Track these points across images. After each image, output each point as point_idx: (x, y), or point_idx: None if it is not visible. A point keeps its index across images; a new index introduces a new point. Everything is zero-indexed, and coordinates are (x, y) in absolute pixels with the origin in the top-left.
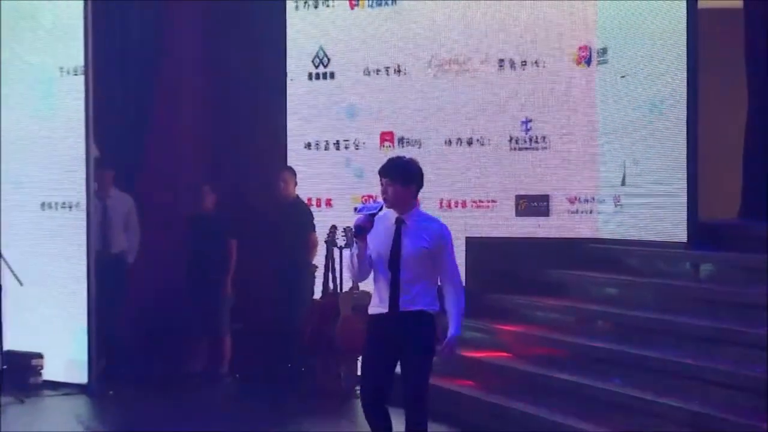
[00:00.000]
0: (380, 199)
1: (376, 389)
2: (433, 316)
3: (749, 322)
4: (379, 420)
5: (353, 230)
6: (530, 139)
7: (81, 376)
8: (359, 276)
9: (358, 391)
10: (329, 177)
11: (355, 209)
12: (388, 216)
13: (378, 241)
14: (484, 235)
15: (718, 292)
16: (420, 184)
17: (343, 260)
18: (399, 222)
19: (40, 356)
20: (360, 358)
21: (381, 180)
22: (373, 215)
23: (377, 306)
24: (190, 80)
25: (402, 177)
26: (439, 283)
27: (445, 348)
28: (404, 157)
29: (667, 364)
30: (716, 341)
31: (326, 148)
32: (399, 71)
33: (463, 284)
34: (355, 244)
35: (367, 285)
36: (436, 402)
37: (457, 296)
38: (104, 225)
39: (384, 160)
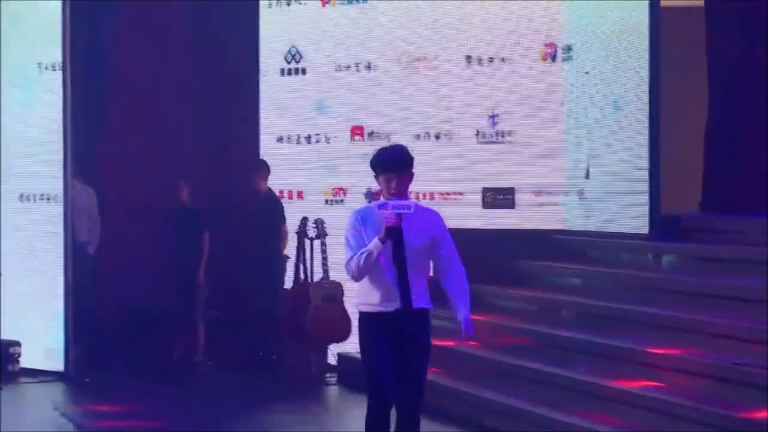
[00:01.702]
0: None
1: (391, 393)
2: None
3: (709, 312)
4: (388, 415)
5: (385, 231)
6: (497, 134)
7: (58, 364)
8: (364, 276)
9: (330, 379)
10: (300, 170)
11: (379, 207)
12: (376, 206)
13: (375, 233)
14: (451, 227)
15: (679, 283)
16: None
17: (353, 259)
18: (399, 216)
19: (18, 344)
20: (330, 345)
21: (383, 175)
22: (402, 214)
23: (377, 305)
24: (166, 76)
25: (408, 166)
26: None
27: (463, 331)
28: (395, 145)
29: (631, 353)
30: (678, 330)
31: (298, 142)
32: (369, 67)
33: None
34: (378, 246)
35: (336, 276)
36: None
37: (463, 277)
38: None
39: (358, 153)
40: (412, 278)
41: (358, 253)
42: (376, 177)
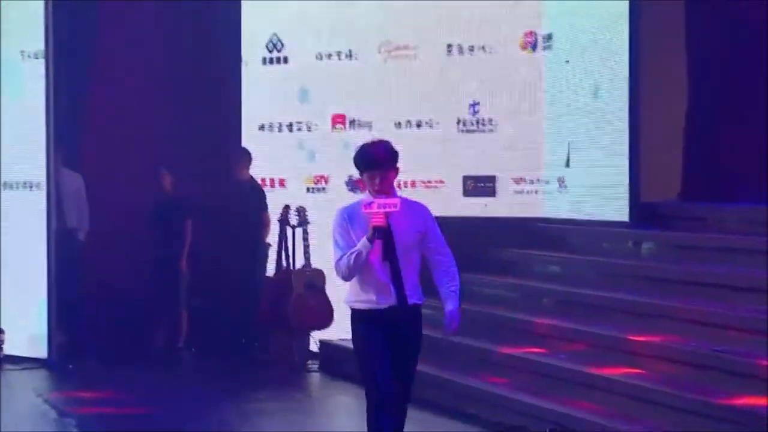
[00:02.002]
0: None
1: (389, 389)
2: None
3: (687, 299)
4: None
5: (371, 232)
6: (477, 122)
7: (41, 351)
8: (353, 275)
9: (312, 366)
10: (282, 158)
11: (365, 206)
12: (362, 204)
13: (363, 232)
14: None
15: (658, 270)
16: None
17: (343, 260)
18: (386, 214)
19: (0, 331)
20: (312, 332)
21: (366, 173)
22: (389, 213)
23: (371, 302)
24: (149, 65)
25: (394, 161)
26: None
27: (450, 324)
28: (377, 141)
29: (610, 339)
30: (658, 317)
31: (279, 130)
32: (350, 56)
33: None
34: (367, 246)
35: (317, 264)
36: None
37: (452, 269)
38: (59, 203)
39: (339, 141)
40: (405, 274)
41: (347, 254)
42: (361, 174)
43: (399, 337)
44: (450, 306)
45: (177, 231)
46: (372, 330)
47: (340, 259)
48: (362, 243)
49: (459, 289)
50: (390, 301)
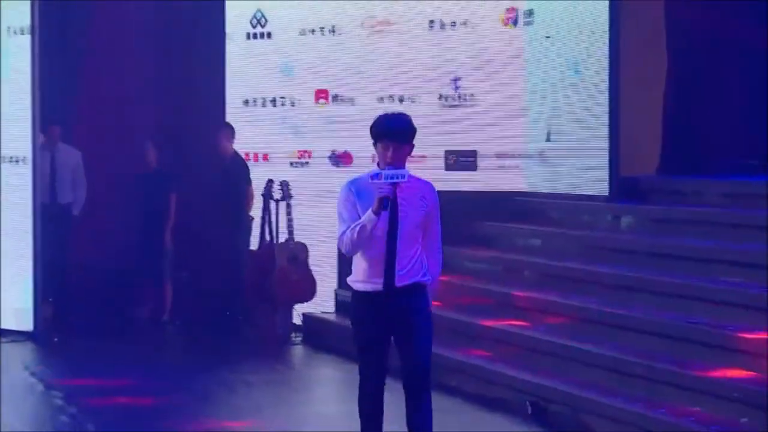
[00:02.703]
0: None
1: (382, 378)
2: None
3: (665, 272)
4: (380, 413)
5: (378, 202)
6: (459, 97)
7: (28, 324)
8: (357, 250)
9: (295, 339)
10: (266, 133)
11: (372, 177)
12: (370, 176)
13: (370, 205)
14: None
15: (637, 243)
16: None
17: (346, 233)
18: (393, 186)
19: None
20: (295, 306)
21: (380, 143)
22: (396, 184)
23: (369, 282)
24: (134, 40)
25: (412, 136)
26: None
27: None
28: (398, 113)
29: (589, 312)
30: (634, 290)
31: (263, 105)
32: (333, 31)
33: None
34: (372, 218)
35: (300, 237)
36: None
37: (435, 264)
38: (52, 177)
39: (322, 116)
40: (407, 253)
41: (351, 227)
42: (375, 144)
43: (398, 318)
44: (432, 298)
45: (161, 204)
46: (369, 312)
47: (344, 232)
48: (367, 215)
49: (438, 281)
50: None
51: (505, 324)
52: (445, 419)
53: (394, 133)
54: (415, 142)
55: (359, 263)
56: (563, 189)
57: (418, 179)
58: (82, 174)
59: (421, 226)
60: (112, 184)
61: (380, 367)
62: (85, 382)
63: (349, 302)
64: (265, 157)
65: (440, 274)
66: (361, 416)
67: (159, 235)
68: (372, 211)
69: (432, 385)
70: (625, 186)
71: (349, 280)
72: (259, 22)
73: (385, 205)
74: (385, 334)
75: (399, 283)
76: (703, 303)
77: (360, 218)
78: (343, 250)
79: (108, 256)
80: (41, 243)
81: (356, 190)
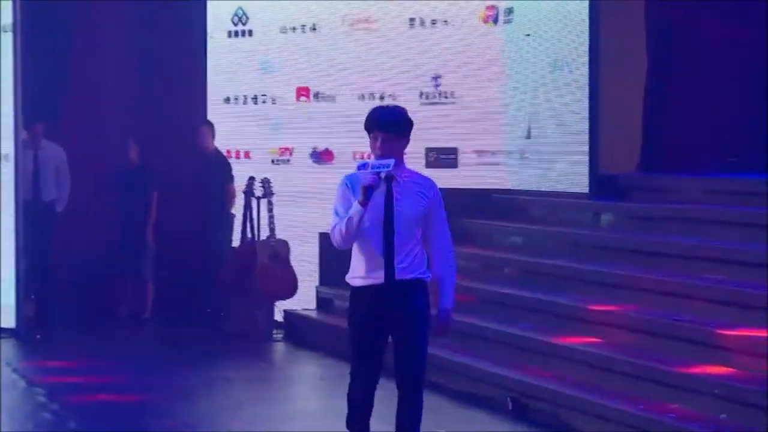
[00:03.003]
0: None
1: (374, 377)
2: (427, 285)
3: (647, 269)
4: (368, 417)
5: (362, 191)
6: (440, 95)
7: (10, 321)
8: (349, 242)
9: (276, 336)
10: (247, 130)
11: (358, 168)
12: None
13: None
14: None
15: (617, 240)
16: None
17: (336, 226)
18: (389, 179)
19: None
20: (277, 303)
21: (371, 134)
22: (380, 174)
23: (365, 277)
24: (116, 38)
25: (404, 128)
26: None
27: (439, 324)
28: (392, 105)
29: (570, 309)
30: (616, 286)
31: (244, 103)
32: (314, 29)
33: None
34: (358, 209)
35: (283, 234)
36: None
37: (448, 261)
38: (35, 175)
39: (303, 114)
40: (404, 247)
41: (340, 219)
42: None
43: (398, 316)
44: (445, 303)
45: (143, 202)
46: (364, 309)
47: (335, 226)
48: (354, 207)
49: (455, 283)
50: (382, 276)
51: (487, 321)
52: (427, 416)
53: (381, 124)
54: None
55: (357, 259)
56: (543, 186)
57: (420, 175)
58: (66, 171)
59: (420, 222)
60: (95, 182)
61: (374, 370)
62: (67, 379)
63: (348, 301)
64: (247, 155)
65: (455, 275)
66: (348, 426)
67: (140, 232)
68: (358, 201)
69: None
70: (605, 183)
71: (348, 277)
72: (240, 19)
73: (369, 195)
74: (383, 333)
75: (399, 276)
76: (685, 300)
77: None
78: (335, 244)
79: (90, 254)
80: (24, 240)
81: (352, 184)
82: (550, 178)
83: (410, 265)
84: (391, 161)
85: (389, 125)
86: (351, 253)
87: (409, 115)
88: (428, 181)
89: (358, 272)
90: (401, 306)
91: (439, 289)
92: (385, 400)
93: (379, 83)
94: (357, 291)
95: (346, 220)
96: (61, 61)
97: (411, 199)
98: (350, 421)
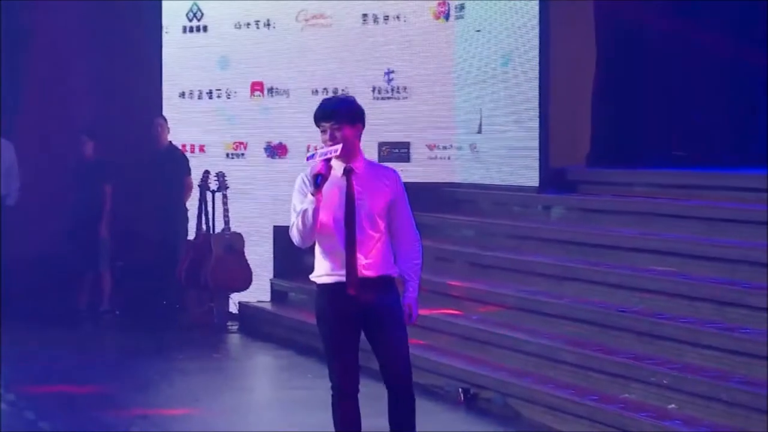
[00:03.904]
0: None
1: (352, 376)
2: (395, 280)
3: (595, 261)
4: (355, 415)
5: (311, 181)
6: (392, 89)
7: None
8: (308, 238)
9: (231, 327)
10: (202, 124)
11: (308, 159)
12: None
13: (326, 196)
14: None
15: (566, 233)
16: (364, 123)
17: (297, 219)
18: (348, 172)
19: None
20: (232, 295)
21: (322, 126)
22: (330, 160)
23: (330, 275)
24: (72, 34)
25: (348, 116)
26: None
27: (408, 315)
28: (338, 96)
29: (520, 301)
30: (565, 279)
31: (199, 97)
32: (268, 25)
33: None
34: (310, 200)
35: (238, 227)
36: (298, 335)
37: (412, 254)
38: None
39: (257, 108)
40: (368, 243)
41: (297, 214)
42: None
43: (367, 316)
44: (409, 295)
45: (97, 195)
46: (333, 307)
47: (293, 223)
48: (306, 199)
49: (420, 274)
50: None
51: (438, 313)
52: (377, 406)
53: (326, 114)
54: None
55: (320, 257)
56: (494, 180)
57: (381, 166)
58: (15, 167)
59: (383, 215)
60: (50, 176)
61: (350, 370)
62: (24, 370)
63: (315, 297)
64: (202, 149)
65: (421, 266)
66: (335, 426)
67: (95, 225)
68: (310, 192)
69: (362, 370)
70: (554, 177)
71: (312, 276)
72: (195, 15)
73: (318, 183)
74: (355, 328)
75: (363, 274)
76: (631, 291)
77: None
78: (295, 242)
79: (46, 247)
80: None
81: (308, 179)
82: (501, 172)
83: (375, 262)
84: (339, 146)
85: (333, 114)
86: (311, 248)
87: (358, 104)
88: (390, 172)
89: (323, 270)
90: (369, 305)
91: (405, 282)
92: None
93: (333, 78)
94: (322, 289)
95: (301, 213)
96: (14, 57)
97: (373, 193)
98: (336, 412)
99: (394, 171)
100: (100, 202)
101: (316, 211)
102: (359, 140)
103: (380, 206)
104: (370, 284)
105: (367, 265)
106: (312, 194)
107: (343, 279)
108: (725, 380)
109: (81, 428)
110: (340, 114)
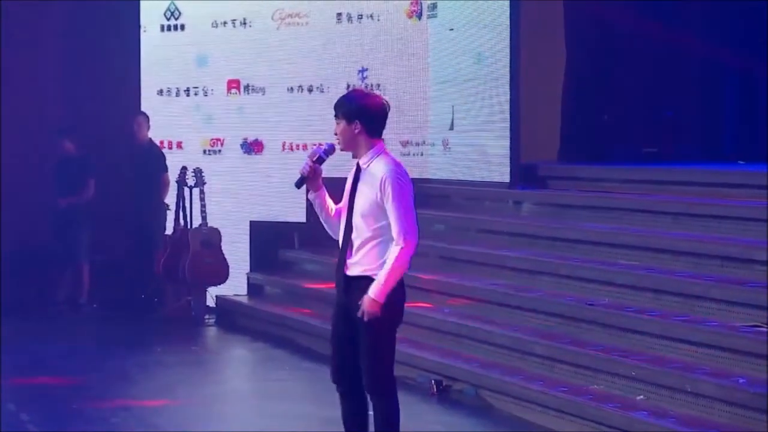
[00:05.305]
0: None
1: (345, 374)
2: None
3: (565, 255)
4: (353, 404)
5: (299, 181)
6: (366, 87)
7: None
8: (326, 226)
9: (209, 320)
10: (180, 121)
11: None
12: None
13: (346, 190)
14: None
15: (537, 228)
16: (370, 119)
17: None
18: (357, 169)
19: None
20: (209, 288)
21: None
22: (319, 159)
23: (336, 267)
24: (51, 32)
25: (342, 111)
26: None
27: (360, 311)
28: (359, 89)
29: (491, 294)
30: (535, 273)
31: (177, 95)
32: (245, 23)
33: (412, 241)
34: (311, 195)
35: (214, 222)
36: (274, 327)
37: (391, 252)
38: None
39: (234, 106)
40: (357, 242)
41: None
42: None
43: (351, 315)
44: (371, 293)
45: (79, 189)
46: (334, 307)
47: None
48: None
49: (389, 274)
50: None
51: (410, 306)
52: None
53: (334, 106)
54: (323, 130)
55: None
56: (466, 176)
57: (383, 164)
58: None
59: (370, 215)
60: (31, 172)
61: (343, 369)
62: (4, 362)
63: None
64: (179, 145)
65: (399, 261)
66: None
67: (75, 219)
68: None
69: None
70: (525, 172)
71: None
72: (173, 14)
73: (298, 184)
74: (349, 323)
75: (348, 271)
76: (600, 285)
77: (346, 202)
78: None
79: (26, 239)
80: None
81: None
82: (473, 168)
83: (360, 260)
84: (330, 144)
85: (335, 108)
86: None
87: (359, 97)
88: (383, 171)
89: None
90: (350, 303)
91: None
92: None
93: (308, 76)
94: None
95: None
96: None
97: (364, 191)
98: (343, 414)
99: (387, 171)
100: (83, 196)
101: (320, 205)
102: (364, 136)
103: (365, 206)
104: (352, 283)
105: (351, 263)
106: (307, 191)
107: (339, 274)
108: (691, 372)
109: (61, 419)
110: (337, 109)
